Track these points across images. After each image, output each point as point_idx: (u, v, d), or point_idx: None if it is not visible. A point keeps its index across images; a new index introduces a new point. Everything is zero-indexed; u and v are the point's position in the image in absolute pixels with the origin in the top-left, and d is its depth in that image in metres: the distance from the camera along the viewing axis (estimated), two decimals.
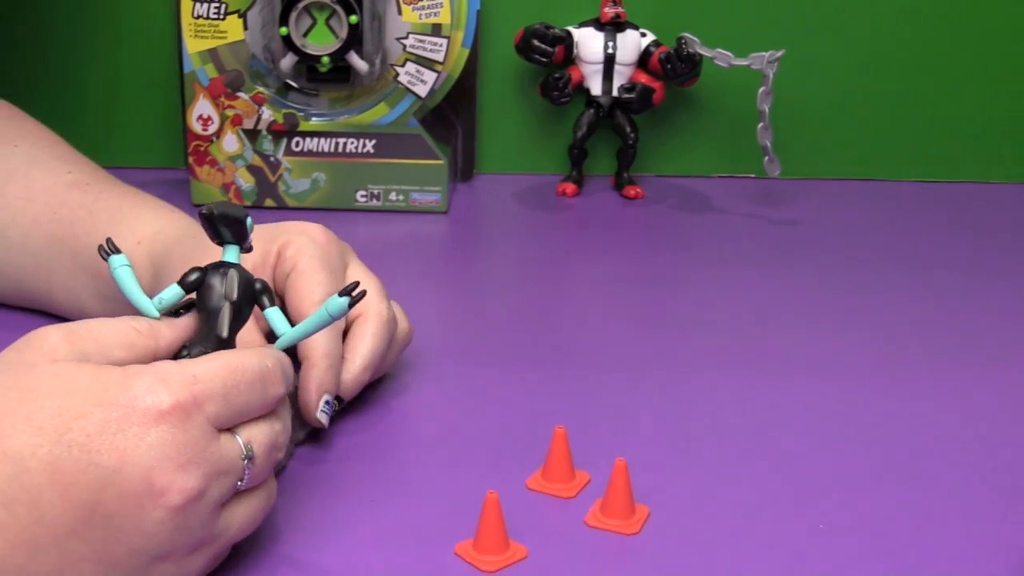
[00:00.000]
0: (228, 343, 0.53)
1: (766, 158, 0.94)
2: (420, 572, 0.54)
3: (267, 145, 0.93)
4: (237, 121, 0.92)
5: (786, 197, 0.99)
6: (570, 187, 0.99)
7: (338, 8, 0.89)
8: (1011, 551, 0.56)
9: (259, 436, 0.51)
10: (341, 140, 0.93)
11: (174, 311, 0.54)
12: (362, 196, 0.94)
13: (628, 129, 0.98)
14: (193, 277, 0.54)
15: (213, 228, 0.54)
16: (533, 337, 0.75)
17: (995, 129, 1.03)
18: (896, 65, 1.01)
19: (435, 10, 0.91)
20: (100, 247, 0.54)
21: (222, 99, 0.92)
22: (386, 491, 0.60)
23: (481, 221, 0.96)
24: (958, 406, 0.69)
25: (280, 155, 0.93)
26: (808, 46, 0.99)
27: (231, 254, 0.55)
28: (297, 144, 0.93)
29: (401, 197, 0.94)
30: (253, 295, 0.54)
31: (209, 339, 0.53)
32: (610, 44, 0.96)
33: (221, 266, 0.54)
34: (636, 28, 0.97)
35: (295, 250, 0.63)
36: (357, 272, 0.65)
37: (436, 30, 0.91)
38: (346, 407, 0.65)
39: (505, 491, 0.56)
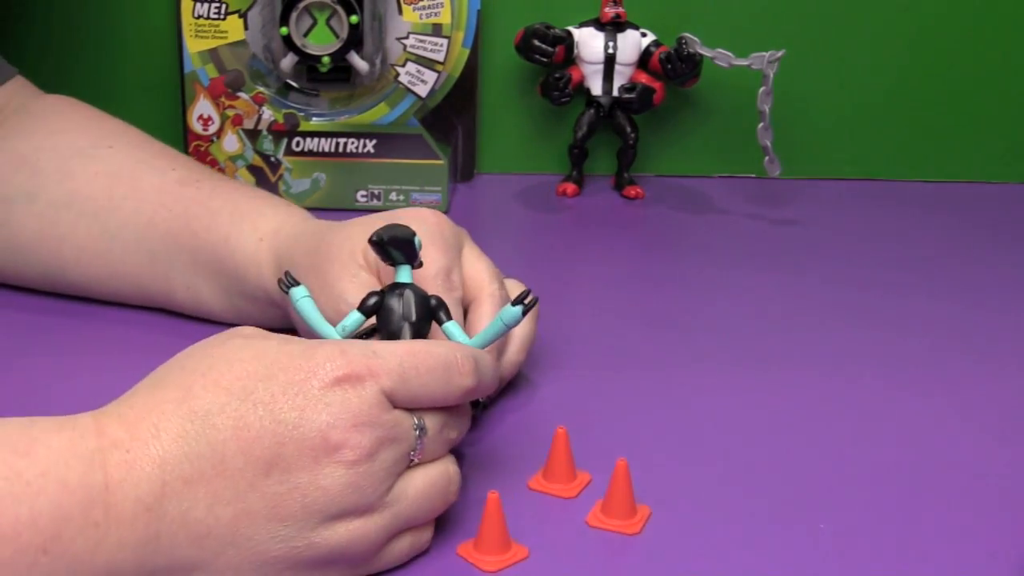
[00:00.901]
0: None
1: (766, 158, 0.94)
2: (422, 572, 0.54)
3: (267, 145, 0.93)
4: (237, 121, 0.92)
5: (786, 197, 0.99)
6: (570, 187, 0.99)
7: (338, 8, 0.89)
8: (1012, 551, 0.56)
9: (433, 421, 0.53)
10: (341, 140, 0.93)
11: (358, 336, 0.57)
12: (362, 196, 0.94)
13: (628, 129, 0.98)
14: (372, 301, 0.57)
15: (384, 252, 0.57)
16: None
17: (995, 129, 1.03)
18: (896, 65, 1.01)
19: (435, 10, 0.91)
20: (280, 280, 0.57)
21: (222, 99, 0.92)
22: None
23: (481, 221, 0.96)
24: (959, 406, 0.69)
25: (280, 155, 0.93)
26: (808, 46, 1.00)
27: (404, 274, 0.58)
28: (297, 144, 0.93)
29: (401, 197, 0.94)
30: (430, 312, 0.57)
31: None
32: (610, 44, 0.96)
33: (396, 287, 0.57)
34: (636, 28, 0.97)
35: None
36: (471, 255, 0.65)
37: (436, 30, 0.91)
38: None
39: (506, 491, 0.56)
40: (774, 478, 0.61)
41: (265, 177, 0.93)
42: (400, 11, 0.91)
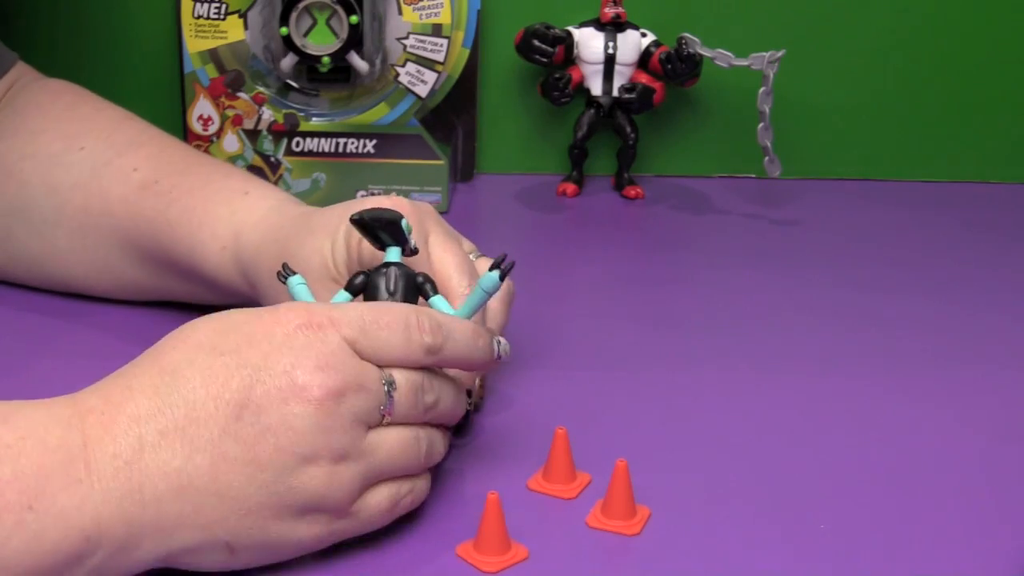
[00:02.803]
0: None
1: (766, 158, 0.94)
2: (421, 573, 0.54)
3: (267, 145, 0.93)
4: (237, 121, 0.92)
5: (786, 197, 0.99)
6: (570, 187, 0.99)
7: (338, 8, 0.89)
8: (1011, 551, 0.56)
9: (402, 377, 0.53)
10: (341, 140, 0.93)
11: None
12: (362, 196, 0.93)
13: (628, 129, 0.98)
14: (358, 280, 0.58)
15: (371, 234, 0.58)
16: (534, 337, 0.75)
17: (995, 129, 1.03)
18: (896, 65, 1.01)
19: (435, 10, 0.91)
20: (278, 273, 0.58)
21: (222, 99, 0.92)
22: None
23: (481, 221, 0.96)
24: (959, 406, 0.69)
25: (280, 155, 0.93)
26: (808, 46, 0.99)
27: (393, 255, 0.59)
28: (297, 144, 0.93)
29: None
30: (416, 288, 0.58)
31: None
32: (610, 44, 0.96)
33: (383, 267, 0.58)
34: (636, 28, 0.97)
35: None
36: (437, 246, 0.63)
37: (436, 30, 0.91)
38: None
39: (506, 492, 0.56)
40: (774, 479, 0.61)
41: (265, 177, 0.93)
42: (400, 11, 0.91)
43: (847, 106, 1.02)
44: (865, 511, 0.59)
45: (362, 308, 0.54)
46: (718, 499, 0.60)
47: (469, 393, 0.61)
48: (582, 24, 0.97)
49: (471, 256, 0.66)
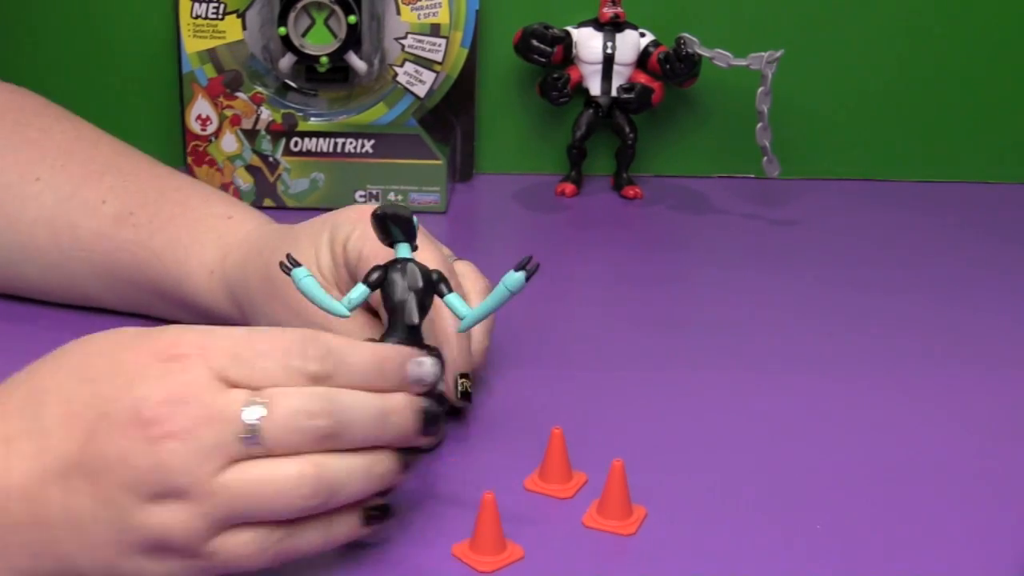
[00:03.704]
0: (417, 331, 0.57)
1: (765, 158, 0.94)
2: (417, 572, 0.54)
3: (266, 145, 0.93)
4: (236, 121, 0.92)
5: (785, 197, 0.99)
6: (569, 187, 0.99)
7: (337, 8, 0.89)
8: (1011, 551, 0.56)
9: (280, 398, 0.49)
10: (340, 140, 0.93)
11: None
12: (361, 196, 0.93)
13: (627, 129, 0.98)
14: (375, 276, 0.57)
15: (385, 228, 0.58)
16: (531, 337, 0.75)
17: (995, 129, 1.02)
18: (896, 65, 1.01)
19: (434, 10, 0.91)
20: (281, 263, 0.56)
21: (221, 99, 0.92)
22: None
23: (480, 221, 0.96)
24: (959, 406, 0.69)
25: (279, 155, 0.93)
26: (808, 46, 0.99)
27: (404, 251, 0.58)
28: (296, 144, 0.93)
29: (400, 197, 0.94)
30: (431, 284, 0.58)
31: (398, 330, 0.57)
32: (609, 44, 0.96)
33: (398, 262, 0.58)
34: (635, 28, 0.97)
35: (358, 237, 0.62)
36: (422, 242, 0.62)
37: (435, 30, 0.91)
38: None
39: (502, 492, 0.55)
40: (771, 479, 0.61)
41: (263, 177, 0.93)
42: (398, 11, 0.91)
43: (846, 106, 1.02)
44: (864, 511, 0.59)
45: (238, 334, 0.50)
46: (714, 499, 0.60)
47: (465, 376, 0.61)
48: (581, 24, 0.97)
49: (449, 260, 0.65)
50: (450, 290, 0.58)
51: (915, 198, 1.00)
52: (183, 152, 0.94)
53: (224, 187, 0.93)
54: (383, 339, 0.56)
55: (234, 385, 0.49)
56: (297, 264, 0.56)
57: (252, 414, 0.48)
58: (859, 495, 0.60)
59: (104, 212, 0.72)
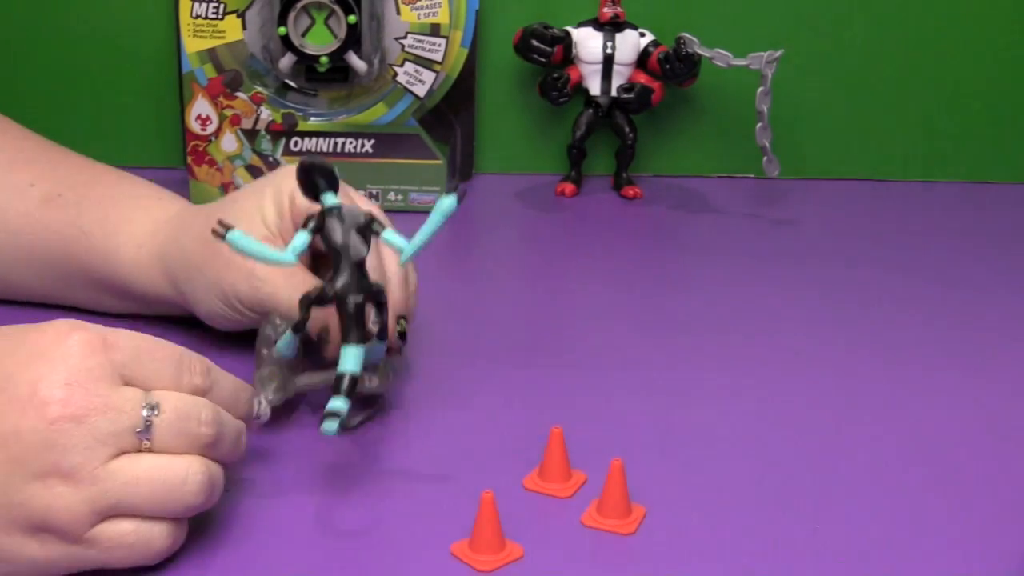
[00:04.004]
0: (363, 267, 0.58)
1: (765, 158, 0.94)
2: (416, 572, 0.54)
3: (266, 145, 0.93)
4: (236, 121, 0.92)
5: (785, 197, 0.99)
6: (569, 187, 0.99)
7: (336, 8, 0.89)
8: (1011, 551, 0.56)
9: (171, 401, 0.51)
10: (340, 140, 0.93)
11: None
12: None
13: (627, 129, 0.98)
14: (314, 221, 0.58)
15: (310, 180, 0.58)
16: (531, 336, 0.75)
17: (995, 129, 1.02)
18: (895, 65, 1.01)
19: (434, 10, 0.91)
20: (214, 230, 0.54)
21: (221, 99, 0.92)
22: (382, 490, 0.60)
23: (480, 221, 0.96)
24: (958, 406, 0.69)
25: (279, 155, 0.93)
26: (808, 46, 0.99)
27: (332, 199, 0.58)
28: (296, 144, 0.93)
29: (400, 197, 0.94)
30: (367, 224, 0.58)
31: (344, 271, 0.57)
32: (609, 44, 0.96)
33: (332, 209, 0.58)
34: (635, 28, 0.97)
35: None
36: (345, 192, 0.65)
37: (435, 30, 0.91)
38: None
39: (501, 491, 0.55)
40: (770, 479, 0.61)
41: None
42: (398, 11, 0.91)
43: (846, 106, 1.02)
44: (861, 512, 0.59)
45: (138, 336, 0.52)
46: (714, 498, 0.60)
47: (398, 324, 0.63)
48: (580, 24, 0.97)
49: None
50: (383, 227, 0.58)
51: (915, 198, 1.00)
52: (183, 152, 0.95)
53: (224, 187, 0.93)
54: (331, 282, 0.57)
55: (128, 383, 0.51)
56: (229, 228, 0.54)
57: (146, 411, 0.50)
58: (858, 495, 0.60)
59: (32, 195, 0.72)
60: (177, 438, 0.51)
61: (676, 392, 0.69)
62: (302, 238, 0.57)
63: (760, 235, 0.92)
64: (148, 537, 0.51)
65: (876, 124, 1.02)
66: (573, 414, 0.66)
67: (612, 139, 0.99)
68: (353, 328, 0.57)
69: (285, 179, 0.66)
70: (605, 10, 0.96)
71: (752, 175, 1.02)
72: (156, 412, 0.51)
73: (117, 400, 0.50)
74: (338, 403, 0.55)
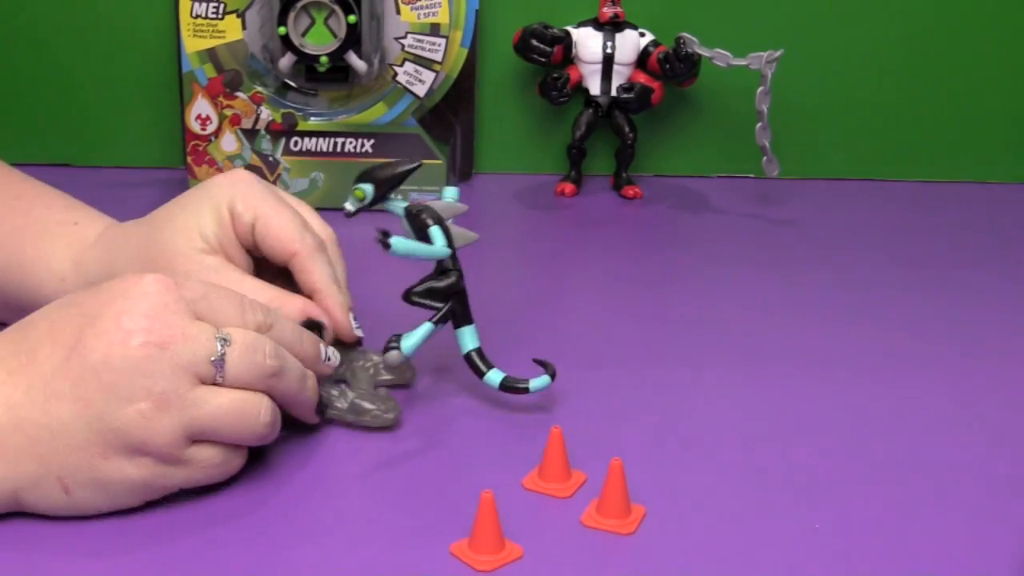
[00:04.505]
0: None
1: (764, 158, 0.94)
2: (415, 571, 0.54)
3: (266, 145, 0.93)
4: (236, 121, 0.92)
5: (784, 197, 0.99)
6: (569, 187, 0.99)
7: (336, 8, 0.89)
8: (1011, 551, 0.56)
9: (240, 335, 0.56)
10: (339, 140, 0.93)
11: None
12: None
13: (627, 129, 0.98)
14: (432, 217, 0.64)
15: (418, 224, 0.64)
16: (530, 336, 0.75)
17: (995, 129, 1.03)
18: (895, 65, 1.01)
19: (433, 10, 0.91)
20: (379, 241, 0.59)
21: (220, 99, 0.92)
22: (381, 490, 0.60)
23: (480, 221, 0.95)
24: (957, 405, 0.69)
25: (279, 155, 0.93)
26: (808, 46, 0.99)
27: (399, 201, 0.65)
28: (296, 144, 0.93)
29: (399, 196, 0.93)
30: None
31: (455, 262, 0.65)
32: (609, 44, 0.96)
33: (420, 210, 0.64)
34: (635, 28, 0.97)
35: (243, 201, 0.66)
36: (291, 200, 0.69)
37: (434, 30, 0.91)
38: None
39: (501, 490, 0.56)
40: (769, 478, 0.61)
41: (263, 177, 0.93)
42: (398, 11, 0.91)
43: (845, 106, 1.02)
44: (861, 511, 0.59)
45: (204, 282, 0.58)
46: (713, 498, 0.60)
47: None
48: (580, 24, 0.97)
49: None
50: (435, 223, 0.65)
51: (914, 198, 1.00)
52: (183, 152, 0.95)
53: None
54: (457, 271, 0.65)
55: (199, 318, 0.56)
56: (389, 234, 0.59)
57: (219, 343, 0.55)
58: (858, 494, 0.60)
59: None
60: (247, 369, 0.56)
61: (675, 392, 0.69)
62: (437, 232, 0.63)
63: (760, 235, 0.92)
64: (229, 460, 0.57)
65: (876, 124, 1.02)
66: (573, 413, 0.66)
67: (612, 139, 0.99)
68: (468, 311, 0.66)
69: (220, 190, 0.66)
70: (605, 10, 0.96)
71: (752, 175, 1.02)
72: (228, 342, 0.55)
73: (194, 331, 0.55)
74: (495, 376, 0.65)
